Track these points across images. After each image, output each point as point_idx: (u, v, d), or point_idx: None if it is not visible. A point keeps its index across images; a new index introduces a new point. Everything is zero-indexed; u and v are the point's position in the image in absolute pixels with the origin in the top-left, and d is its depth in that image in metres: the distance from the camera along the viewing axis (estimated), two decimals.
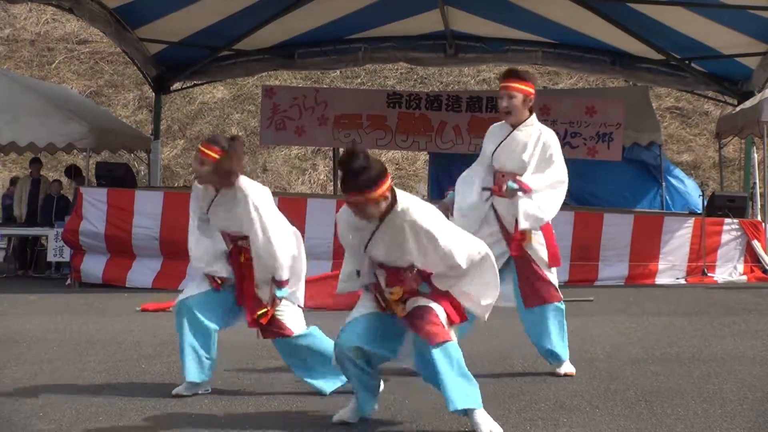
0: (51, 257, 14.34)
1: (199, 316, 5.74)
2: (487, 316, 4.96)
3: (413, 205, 4.72)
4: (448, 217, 5.85)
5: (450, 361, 4.67)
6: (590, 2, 14.00)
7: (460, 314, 4.88)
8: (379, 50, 16.76)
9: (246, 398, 5.64)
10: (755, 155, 15.38)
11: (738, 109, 14.84)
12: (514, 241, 6.11)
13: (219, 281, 5.76)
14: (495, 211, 6.23)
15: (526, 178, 6.10)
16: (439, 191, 17.59)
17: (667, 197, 16.80)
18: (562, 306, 6.18)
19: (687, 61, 15.66)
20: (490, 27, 15.66)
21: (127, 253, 12.81)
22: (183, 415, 5.17)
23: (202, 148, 5.63)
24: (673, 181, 17.10)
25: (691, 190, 17.15)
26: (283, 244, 5.56)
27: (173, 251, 12.20)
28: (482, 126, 15.94)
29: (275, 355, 6.06)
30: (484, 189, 6.26)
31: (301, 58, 16.61)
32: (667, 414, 5.10)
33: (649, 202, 16.83)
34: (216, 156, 5.57)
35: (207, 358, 5.76)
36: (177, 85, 18.06)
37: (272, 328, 5.66)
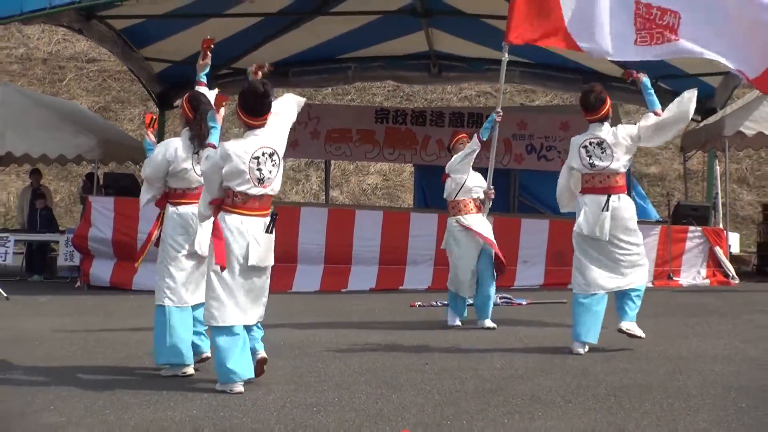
0: (62, 261, 14.30)
1: None
2: None
3: None
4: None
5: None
6: None
7: None
8: (368, 69, 16.78)
9: (245, 391, 5.62)
10: (717, 167, 15.46)
11: (702, 124, 14.91)
12: None
13: None
14: None
15: None
16: (424, 201, 17.61)
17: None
18: None
19: (654, 80, 15.71)
20: (471, 48, 15.70)
21: (132, 258, 12.69)
22: (185, 409, 5.16)
23: None
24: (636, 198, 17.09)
25: (650, 208, 17.39)
26: None
27: None
28: None
29: (273, 353, 6.05)
30: None
31: (294, 76, 16.58)
32: (635, 408, 5.12)
33: None
34: None
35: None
36: (180, 101, 18.00)
37: None
